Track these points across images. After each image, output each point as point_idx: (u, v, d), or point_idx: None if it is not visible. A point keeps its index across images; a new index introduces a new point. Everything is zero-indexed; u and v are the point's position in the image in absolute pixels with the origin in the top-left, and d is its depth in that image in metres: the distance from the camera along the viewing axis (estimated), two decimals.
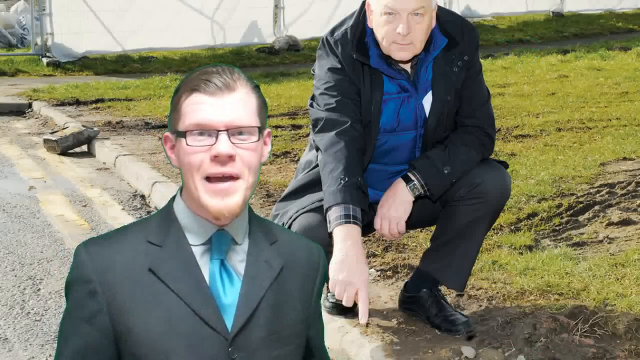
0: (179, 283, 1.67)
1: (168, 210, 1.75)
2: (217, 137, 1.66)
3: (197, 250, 1.71)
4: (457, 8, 13.54)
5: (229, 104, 1.68)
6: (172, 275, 1.67)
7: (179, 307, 1.66)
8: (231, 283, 1.71)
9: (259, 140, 1.71)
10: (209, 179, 1.67)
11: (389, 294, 3.52)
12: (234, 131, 1.67)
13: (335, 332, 3.23)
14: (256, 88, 1.75)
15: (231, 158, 1.66)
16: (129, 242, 1.70)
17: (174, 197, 1.77)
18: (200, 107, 1.67)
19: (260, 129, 1.72)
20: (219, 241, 1.72)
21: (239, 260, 1.74)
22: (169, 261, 1.68)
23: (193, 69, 1.75)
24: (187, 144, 1.67)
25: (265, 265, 1.74)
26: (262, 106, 1.75)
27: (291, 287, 1.78)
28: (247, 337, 1.69)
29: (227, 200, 1.67)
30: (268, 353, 1.72)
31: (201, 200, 1.68)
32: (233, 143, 1.67)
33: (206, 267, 1.71)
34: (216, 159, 1.66)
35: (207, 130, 1.67)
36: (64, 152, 6.67)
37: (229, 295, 1.70)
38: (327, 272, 1.90)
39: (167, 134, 1.75)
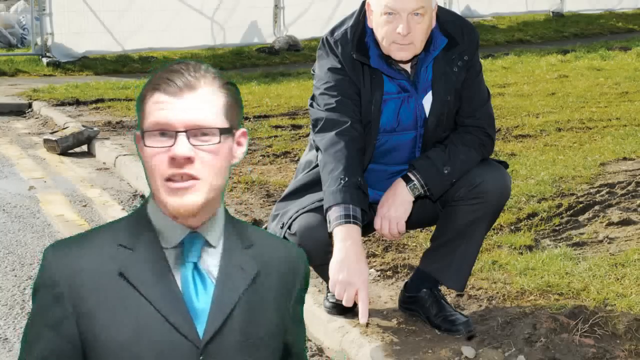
0: (150, 288, 1.60)
1: (141, 212, 1.69)
2: (175, 138, 1.59)
3: (169, 254, 1.65)
4: (457, 8, 13.53)
5: (189, 104, 1.61)
6: (143, 279, 1.61)
7: (148, 312, 1.60)
8: (204, 287, 1.65)
9: (220, 142, 1.62)
10: (168, 179, 1.61)
11: (389, 294, 3.52)
12: (196, 132, 1.60)
13: (335, 332, 3.23)
14: (226, 85, 1.67)
15: (189, 160, 1.60)
16: (99, 244, 1.64)
17: (147, 199, 1.71)
18: (160, 107, 1.61)
19: (228, 130, 1.64)
20: (191, 243, 1.66)
21: (213, 264, 1.68)
22: (139, 265, 1.62)
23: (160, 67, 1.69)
24: (146, 145, 1.62)
25: (239, 270, 1.68)
26: (233, 105, 1.67)
27: (267, 293, 1.71)
28: (219, 344, 1.63)
29: (185, 198, 1.60)
30: (242, 359, 1.65)
31: (162, 198, 1.62)
32: (193, 145, 1.60)
33: (179, 271, 1.64)
34: (174, 161, 1.60)
35: (167, 131, 1.60)
36: (64, 152, 6.68)
37: (202, 301, 1.64)
38: (308, 277, 1.83)
39: (137, 132, 1.68)
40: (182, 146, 1.59)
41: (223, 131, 1.63)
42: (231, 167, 1.69)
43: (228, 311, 1.64)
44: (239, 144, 1.70)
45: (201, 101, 1.62)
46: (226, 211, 1.74)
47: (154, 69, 1.70)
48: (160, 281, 1.62)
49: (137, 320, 1.59)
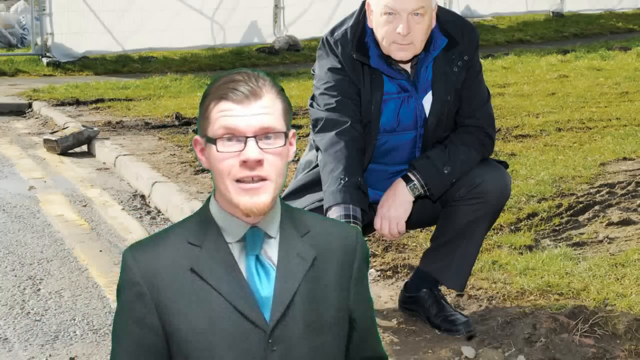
0: (220, 281, 1.75)
1: (204, 211, 1.84)
2: (245, 143, 1.74)
3: (233, 248, 1.79)
4: (457, 8, 13.53)
5: (256, 111, 1.75)
6: (212, 273, 1.76)
7: (220, 304, 1.75)
8: (267, 277, 1.78)
9: (285, 144, 1.78)
10: (239, 180, 1.75)
11: (389, 294, 3.52)
12: (262, 136, 1.75)
13: None
14: (281, 92, 1.81)
15: (259, 163, 1.74)
16: (170, 244, 1.79)
17: (209, 199, 1.85)
18: (229, 114, 1.75)
19: (286, 133, 1.79)
20: (253, 237, 1.79)
21: (274, 253, 1.81)
22: (208, 260, 1.77)
23: (219, 75, 1.82)
24: (218, 150, 1.75)
25: (297, 258, 1.80)
26: (288, 109, 1.82)
27: (327, 277, 1.82)
28: (285, 329, 1.76)
29: (256, 198, 1.74)
30: (308, 343, 1.78)
31: (233, 200, 1.76)
32: (261, 148, 1.74)
33: (243, 263, 1.79)
34: (245, 164, 1.74)
35: (235, 137, 1.74)
36: (64, 152, 6.68)
37: (266, 289, 1.77)
38: (368, 253, 1.94)
39: (197, 137, 1.83)
40: (253, 150, 1.74)
41: (284, 134, 1.78)
42: (287, 166, 1.83)
43: (290, 297, 1.77)
44: (290, 144, 1.84)
45: (266, 108, 1.76)
46: (282, 202, 1.87)
47: (214, 80, 1.81)
48: (227, 274, 1.77)
49: (210, 311, 1.75)
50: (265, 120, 1.75)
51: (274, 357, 1.75)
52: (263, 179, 1.75)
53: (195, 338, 1.75)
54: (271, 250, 1.81)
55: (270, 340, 1.75)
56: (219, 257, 1.78)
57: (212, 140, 1.76)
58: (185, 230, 1.82)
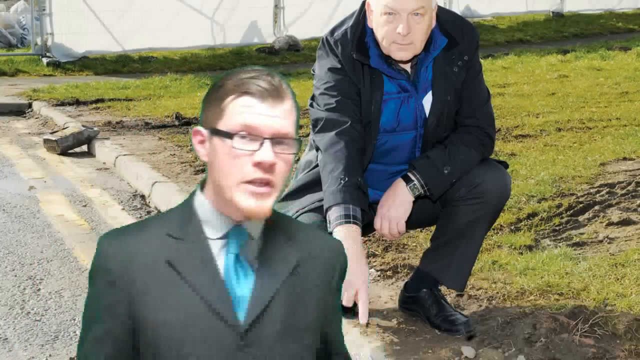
0: (195, 276, 1.71)
1: (187, 205, 1.79)
2: (261, 144, 1.69)
3: (214, 244, 1.75)
4: (457, 8, 13.54)
5: (279, 114, 1.71)
6: (189, 268, 1.72)
7: (193, 299, 1.71)
8: (245, 277, 1.74)
9: (297, 152, 1.74)
10: (248, 182, 1.70)
11: (389, 294, 3.52)
12: (277, 140, 1.70)
13: None
14: (295, 98, 1.77)
15: (272, 167, 1.70)
16: (149, 234, 1.75)
17: (194, 192, 1.81)
18: (250, 111, 1.69)
19: (299, 141, 1.76)
20: (236, 236, 1.75)
21: (254, 255, 1.77)
22: (186, 254, 1.73)
23: (235, 69, 1.77)
24: (233, 146, 1.69)
25: (280, 261, 1.77)
26: (298, 118, 1.79)
27: (307, 284, 1.80)
28: (260, 332, 1.72)
29: (260, 203, 1.70)
30: (281, 348, 1.74)
31: (234, 199, 1.71)
32: (275, 152, 1.70)
33: (222, 260, 1.75)
34: (259, 165, 1.69)
35: (251, 135, 1.69)
36: (64, 152, 6.68)
37: (244, 289, 1.73)
38: (346, 267, 1.91)
39: (199, 128, 1.76)
40: (268, 152, 1.68)
41: (298, 142, 1.75)
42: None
43: (268, 299, 1.73)
44: None
45: (287, 112, 1.73)
46: None
47: (225, 75, 1.76)
48: (204, 269, 1.72)
49: (182, 306, 1.71)
50: (284, 124, 1.71)
51: (245, 358, 1.71)
52: (270, 184, 1.71)
53: (165, 332, 1.71)
54: (252, 252, 1.77)
55: (242, 342, 1.71)
56: (198, 252, 1.73)
57: (226, 134, 1.70)
58: (165, 222, 1.77)
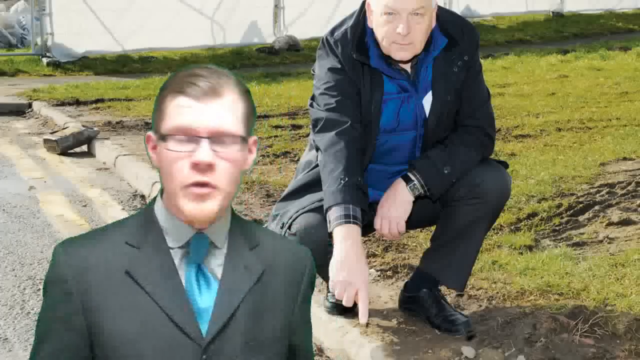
0: (155, 286, 1.63)
1: (148, 211, 1.71)
2: (198, 144, 1.60)
3: (175, 253, 1.67)
4: (457, 8, 13.55)
5: (214, 110, 1.61)
6: (149, 278, 1.64)
7: (153, 310, 1.63)
8: (208, 288, 1.67)
9: (241, 150, 1.65)
10: (188, 185, 1.62)
11: (389, 294, 3.52)
12: (217, 139, 1.61)
13: (335, 332, 3.23)
14: (246, 93, 1.68)
15: (210, 167, 1.60)
16: (107, 242, 1.67)
17: (154, 198, 1.73)
18: (184, 111, 1.61)
19: (244, 138, 1.66)
20: (197, 245, 1.68)
21: (217, 264, 1.69)
22: (146, 264, 1.64)
23: (181, 68, 1.69)
24: (168, 149, 1.62)
25: (244, 271, 1.69)
26: (250, 113, 1.68)
27: (273, 293, 1.72)
28: (222, 344, 1.65)
29: (203, 205, 1.62)
30: None
31: (178, 204, 1.63)
32: (214, 151, 1.61)
33: (183, 271, 1.67)
34: (196, 166, 1.60)
35: (189, 136, 1.61)
36: (64, 152, 6.67)
37: (206, 300, 1.66)
38: (314, 277, 1.83)
39: (150, 133, 1.69)
40: (205, 152, 1.60)
41: (242, 139, 1.64)
42: (242, 174, 1.70)
43: (231, 311, 1.66)
44: (250, 151, 1.71)
45: (225, 108, 1.63)
46: (233, 212, 1.75)
47: (173, 72, 1.69)
48: (164, 280, 1.64)
49: (141, 318, 1.63)
50: (222, 121, 1.61)
51: None
52: (212, 186, 1.61)
53: (123, 345, 1.62)
54: (216, 262, 1.69)
55: (204, 355, 1.63)
56: (158, 261, 1.65)
57: (164, 137, 1.62)
58: (124, 230, 1.68)
